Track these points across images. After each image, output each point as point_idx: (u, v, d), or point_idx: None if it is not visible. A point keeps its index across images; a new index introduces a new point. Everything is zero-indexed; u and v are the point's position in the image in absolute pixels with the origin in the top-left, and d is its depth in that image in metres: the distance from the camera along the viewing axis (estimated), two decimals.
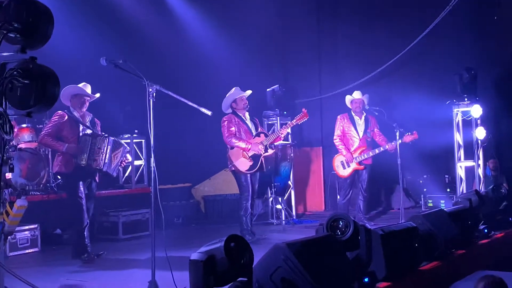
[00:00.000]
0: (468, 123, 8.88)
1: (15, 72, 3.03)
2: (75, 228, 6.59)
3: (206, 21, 10.52)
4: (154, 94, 4.91)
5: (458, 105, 8.93)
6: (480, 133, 8.68)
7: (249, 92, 7.68)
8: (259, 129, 7.78)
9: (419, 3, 9.94)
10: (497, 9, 9.14)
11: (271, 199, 9.19)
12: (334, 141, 8.60)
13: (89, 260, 6.37)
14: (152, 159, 4.87)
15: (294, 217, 9.52)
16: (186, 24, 10.55)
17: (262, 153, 7.42)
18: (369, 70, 10.14)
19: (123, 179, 9.13)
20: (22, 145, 7.67)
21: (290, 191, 9.76)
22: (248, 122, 7.66)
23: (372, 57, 10.20)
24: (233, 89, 7.61)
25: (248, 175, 7.44)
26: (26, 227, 7.08)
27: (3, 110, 2.99)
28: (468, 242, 5.54)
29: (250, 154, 7.41)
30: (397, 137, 8.14)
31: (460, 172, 9.01)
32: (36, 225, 7.22)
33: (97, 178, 6.72)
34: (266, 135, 7.65)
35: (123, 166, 7.01)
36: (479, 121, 8.79)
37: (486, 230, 5.85)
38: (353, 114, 8.60)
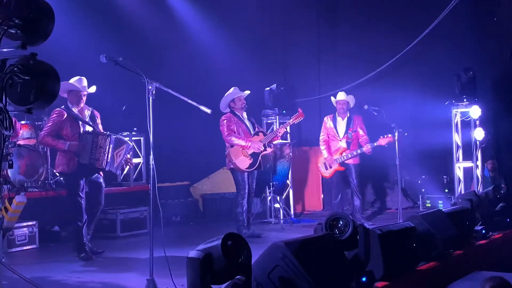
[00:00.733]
0: (467, 124, 8.90)
1: (15, 68, 3.03)
2: (73, 226, 6.56)
3: (206, 20, 10.53)
4: (154, 91, 4.91)
5: (457, 106, 8.94)
6: (478, 134, 8.69)
7: (247, 92, 7.73)
8: (257, 128, 7.81)
9: (419, 4, 9.92)
10: (497, 9, 9.12)
11: (269, 198, 9.19)
12: (320, 144, 8.83)
13: (87, 258, 6.35)
14: (151, 157, 4.86)
15: (292, 216, 9.53)
16: (186, 22, 10.55)
17: (261, 151, 7.48)
18: (368, 70, 10.14)
19: (122, 177, 9.11)
20: (21, 142, 7.64)
21: (289, 190, 9.76)
22: (246, 121, 7.72)
23: (371, 57, 10.19)
24: (232, 88, 7.67)
25: (246, 173, 7.49)
26: (24, 224, 7.07)
27: (3, 106, 2.99)
28: (466, 243, 5.55)
29: (250, 152, 7.45)
30: (395, 138, 8.13)
31: (459, 172, 9.02)
32: (34, 222, 7.19)
33: (101, 173, 6.67)
34: (264, 134, 7.71)
35: (129, 165, 6.95)
36: (477, 122, 8.80)
37: (484, 231, 5.86)
38: (337, 115, 8.77)
